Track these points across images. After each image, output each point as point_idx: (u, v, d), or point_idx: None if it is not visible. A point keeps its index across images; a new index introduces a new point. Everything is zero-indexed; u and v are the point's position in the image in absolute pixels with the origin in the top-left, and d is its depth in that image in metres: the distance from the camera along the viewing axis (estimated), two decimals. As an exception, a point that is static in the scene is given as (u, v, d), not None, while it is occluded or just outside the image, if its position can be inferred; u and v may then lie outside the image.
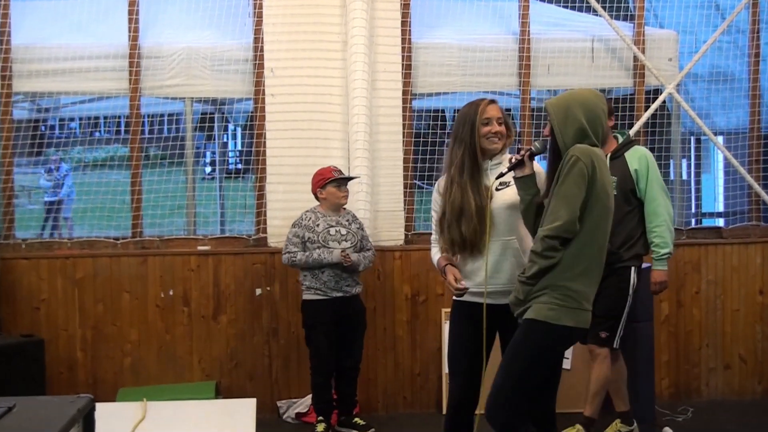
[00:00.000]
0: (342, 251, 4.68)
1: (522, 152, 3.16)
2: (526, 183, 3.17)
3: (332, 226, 4.75)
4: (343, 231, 4.77)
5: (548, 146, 3.11)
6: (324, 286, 4.74)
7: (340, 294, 4.76)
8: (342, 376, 4.90)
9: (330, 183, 4.73)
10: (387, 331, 5.55)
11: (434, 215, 3.42)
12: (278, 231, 5.48)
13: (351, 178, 4.88)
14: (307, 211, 4.84)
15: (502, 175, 3.20)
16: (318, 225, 4.74)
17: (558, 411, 3.37)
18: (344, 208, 4.87)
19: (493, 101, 3.38)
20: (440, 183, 3.42)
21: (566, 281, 2.96)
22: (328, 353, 4.77)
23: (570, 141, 3.01)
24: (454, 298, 3.43)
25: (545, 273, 2.94)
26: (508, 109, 5.98)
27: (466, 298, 3.34)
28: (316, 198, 4.83)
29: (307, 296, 4.79)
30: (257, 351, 5.50)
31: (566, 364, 4.72)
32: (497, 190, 3.29)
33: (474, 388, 3.34)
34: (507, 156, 3.43)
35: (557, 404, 3.36)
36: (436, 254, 3.42)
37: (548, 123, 3.07)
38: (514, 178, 3.18)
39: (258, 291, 5.47)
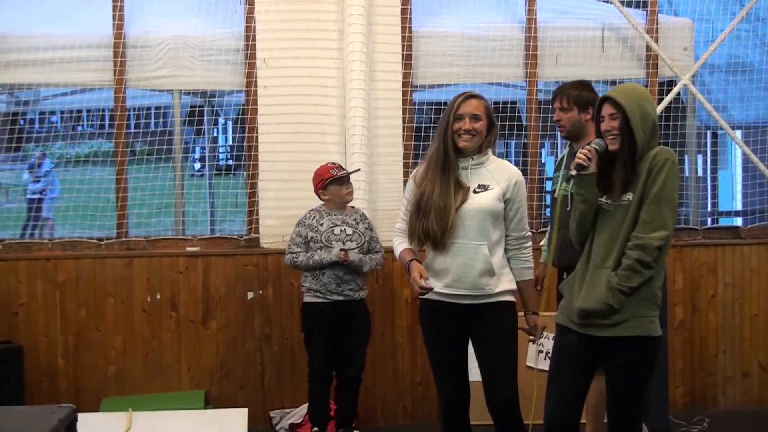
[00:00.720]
0: (341, 249, 4.65)
1: (588, 150, 3.14)
2: (589, 182, 3.16)
3: (337, 225, 4.75)
4: (349, 231, 4.75)
5: (605, 145, 3.13)
6: (324, 288, 4.73)
7: (341, 297, 4.74)
8: (342, 387, 4.88)
9: (330, 183, 4.73)
10: (386, 337, 5.55)
11: (404, 202, 3.47)
12: (271, 231, 5.47)
13: (352, 172, 4.89)
14: (312, 209, 4.84)
15: (571, 177, 3.19)
16: (322, 224, 4.74)
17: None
18: (352, 207, 4.88)
19: (473, 96, 3.41)
20: (418, 172, 3.47)
21: (656, 290, 3.08)
22: (326, 360, 4.77)
23: (647, 139, 3.05)
24: (421, 297, 3.45)
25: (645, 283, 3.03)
26: (514, 102, 5.99)
27: (434, 296, 3.37)
28: (321, 199, 4.83)
29: (307, 298, 4.78)
30: (249, 358, 5.49)
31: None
32: (475, 192, 3.31)
33: (465, 386, 3.44)
34: (492, 157, 3.44)
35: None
36: (400, 245, 3.46)
37: (615, 119, 3.07)
38: (579, 176, 3.16)
39: (250, 295, 5.47)
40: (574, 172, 3.12)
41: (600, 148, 3.12)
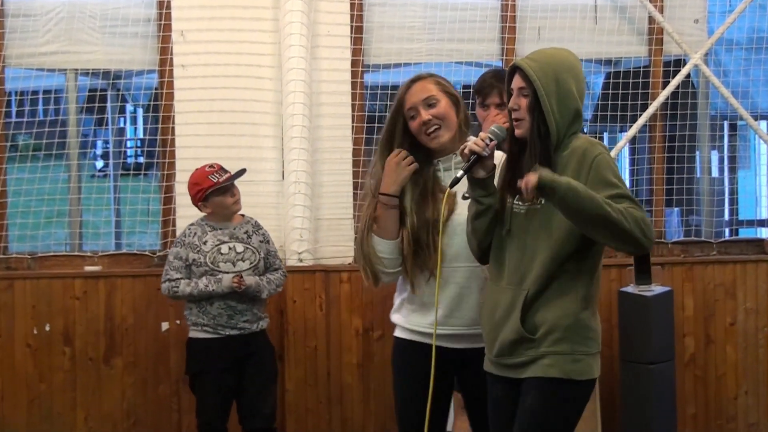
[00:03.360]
0: (235, 276, 4.59)
1: (480, 142, 2.95)
2: (486, 184, 3.01)
3: (224, 242, 4.69)
4: (240, 247, 4.70)
5: (511, 130, 3.00)
6: (213, 322, 4.66)
7: (235, 332, 4.67)
8: (251, 443, 4.78)
9: (212, 193, 4.63)
10: (332, 378, 5.53)
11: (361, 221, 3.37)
12: None
13: (238, 175, 4.75)
14: (192, 224, 4.77)
15: (457, 180, 2.98)
16: (205, 242, 4.68)
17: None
18: (241, 215, 4.82)
19: (414, 80, 3.24)
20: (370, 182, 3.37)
21: (587, 319, 2.95)
22: (218, 410, 4.70)
23: (565, 123, 2.92)
24: (397, 335, 3.36)
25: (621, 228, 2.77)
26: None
27: (418, 338, 3.29)
28: (200, 209, 4.77)
29: (193, 333, 4.73)
30: (163, 404, 5.46)
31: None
32: (465, 198, 3.15)
33: None
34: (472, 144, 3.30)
35: None
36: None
37: (525, 95, 2.93)
38: (471, 180, 3.00)
39: (165, 325, 5.45)
40: (460, 174, 2.94)
41: (497, 136, 2.97)
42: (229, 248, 4.69)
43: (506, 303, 2.98)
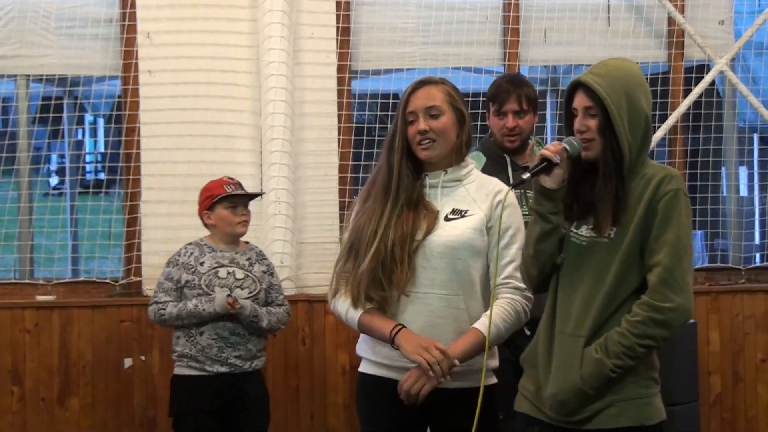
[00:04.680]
0: (229, 295, 4.56)
1: (553, 148, 2.95)
2: (555, 198, 2.99)
3: (223, 266, 4.65)
4: (240, 274, 4.67)
5: (579, 150, 2.98)
6: (202, 354, 4.59)
7: (225, 368, 4.60)
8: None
9: (220, 202, 4.63)
10: (316, 421, 5.53)
11: (344, 243, 3.34)
12: (157, 273, 5.09)
13: (254, 196, 4.80)
14: (190, 243, 4.74)
15: (522, 181, 3.00)
16: (202, 263, 4.64)
17: None
18: (245, 242, 4.81)
19: (425, 82, 3.27)
20: (360, 198, 3.37)
21: (652, 358, 2.98)
22: None
23: (638, 146, 2.93)
24: (362, 370, 3.31)
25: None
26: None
27: (386, 373, 3.21)
28: (204, 224, 4.75)
29: (178, 369, 4.69)
30: (126, 451, 5.43)
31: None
32: (447, 219, 3.18)
33: None
34: (475, 171, 3.33)
35: None
36: (351, 312, 3.23)
37: (593, 115, 2.93)
38: (540, 190, 3.00)
39: (128, 362, 5.44)
40: (527, 175, 2.96)
41: (572, 148, 2.96)
42: (228, 273, 4.65)
43: (562, 353, 2.99)
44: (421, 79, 3.27)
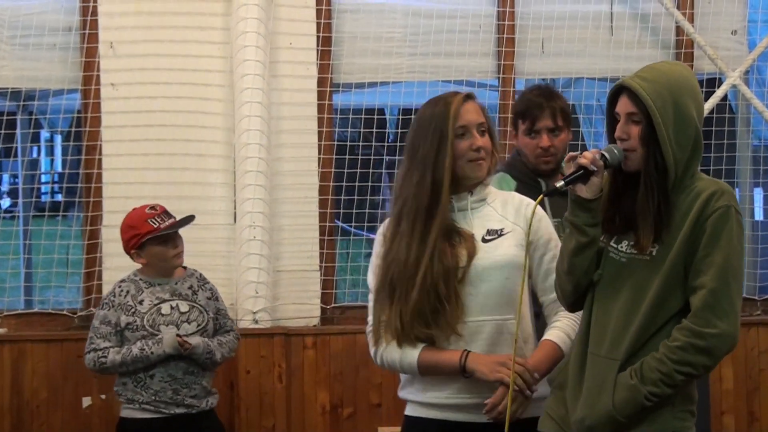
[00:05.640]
0: (177, 334, 4.55)
1: (590, 156, 2.97)
2: (591, 208, 3.01)
3: (164, 301, 4.65)
4: (184, 306, 4.66)
5: (620, 159, 3.00)
6: (154, 399, 4.57)
7: (182, 410, 4.59)
8: None
9: (150, 241, 4.58)
10: (294, 464, 5.52)
11: (371, 280, 3.35)
12: None
13: (184, 223, 4.73)
14: (123, 280, 4.73)
15: (557, 190, 3.05)
16: (141, 301, 4.63)
17: None
18: (183, 267, 4.80)
19: (471, 96, 3.32)
20: (387, 227, 3.36)
21: (691, 386, 3.00)
22: None
23: (685, 158, 2.94)
24: (409, 414, 3.33)
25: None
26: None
27: (432, 413, 3.27)
28: (135, 262, 4.74)
29: (126, 412, 4.66)
30: (84, 498, 5.41)
31: None
32: (485, 241, 3.21)
33: None
34: (491, 188, 3.41)
35: None
36: (402, 354, 3.24)
37: (636, 122, 2.95)
38: (575, 200, 3.02)
39: (86, 401, 5.39)
40: (561, 184, 2.99)
41: (612, 157, 2.97)
42: (172, 308, 4.64)
43: (594, 376, 3.01)
44: (461, 92, 3.31)
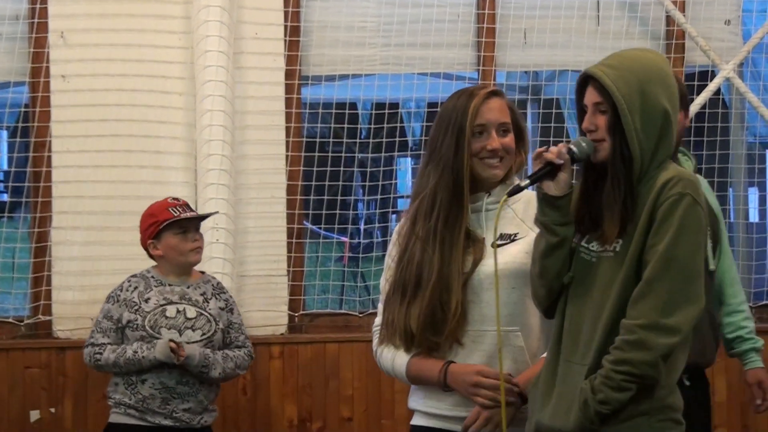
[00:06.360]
0: (171, 340, 4.55)
1: (555, 151, 2.97)
2: (560, 206, 3.02)
3: (171, 303, 4.65)
4: (191, 312, 4.67)
5: (588, 151, 3.01)
6: (143, 406, 4.57)
7: (170, 422, 4.60)
8: None
9: (167, 228, 4.62)
10: (259, 482, 5.52)
11: (383, 283, 3.42)
12: (71, 311, 5.41)
13: (205, 217, 4.85)
14: (134, 275, 4.76)
15: (520, 189, 3.07)
16: (147, 300, 4.65)
17: None
18: (201, 272, 4.84)
19: (496, 92, 3.33)
20: (402, 226, 3.41)
21: (664, 396, 2.97)
22: None
23: (651, 148, 2.96)
24: (414, 423, 3.38)
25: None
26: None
27: (436, 423, 3.32)
28: (150, 256, 4.75)
29: (114, 417, 4.67)
30: None
31: None
32: (498, 246, 3.18)
33: None
34: (515, 185, 3.44)
35: None
36: (398, 359, 3.34)
37: (599, 112, 2.97)
38: (543, 198, 3.03)
39: (34, 415, 5.37)
40: (526, 182, 3.02)
41: (580, 150, 2.99)
42: (178, 311, 4.65)
43: (566, 382, 3.01)
44: (486, 88, 3.33)
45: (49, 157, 5.42)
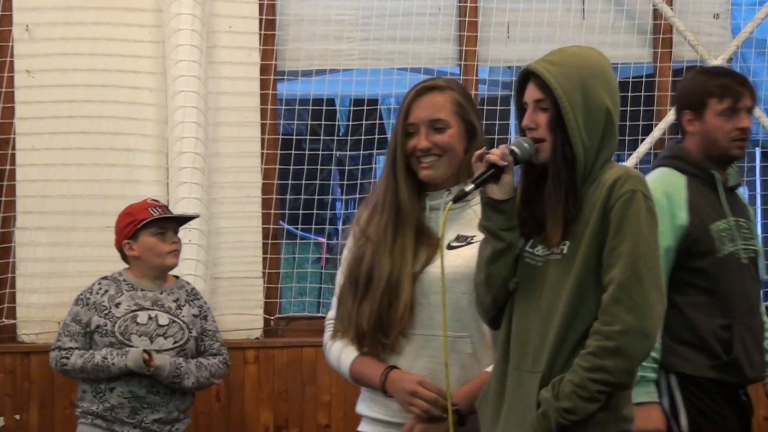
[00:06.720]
0: (146, 351, 4.51)
1: (498, 153, 2.92)
2: (505, 210, 2.98)
3: (143, 309, 4.64)
4: (163, 319, 4.65)
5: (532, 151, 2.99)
6: (111, 415, 4.54)
7: None
8: None
9: (145, 228, 4.60)
10: (233, 493, 5.55)
11: (339, 276, 3.42)
12: (36, 315, 5.43)
13: (186, 219, 4.87)
14: (105, 277, 4.74)
15: (465, 194, 2.99)
16: (118, 304, 4.63)
17: None
18: (175, 277, 4.84)
19: (430, 88, 3.28)
20: (360, 218, 3.41)
21: (620, 406, 2.95)
22: None
23: (595, 147, 2.96)
24: (360, 430, 3.35)
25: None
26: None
27: (383, 429, 3.29)
28: (124, 258, 4.74)
29: (82, 427, 4.65)
30: None
31: None
32: (451, 248, 3.19)
33: None
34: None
35: None
36: (345, 355, 3.33)
37: (540, 110, 2.96)
38: (487, 202, 2.98)
39: None
40: (470, 187, 2.98)
41: (522, 150, 2.96)
42: (149, 318, 4.63)
43: (515, 392, 2.99)
44: (425, 83, 3.30)
45: (13, 155, 5.42)
